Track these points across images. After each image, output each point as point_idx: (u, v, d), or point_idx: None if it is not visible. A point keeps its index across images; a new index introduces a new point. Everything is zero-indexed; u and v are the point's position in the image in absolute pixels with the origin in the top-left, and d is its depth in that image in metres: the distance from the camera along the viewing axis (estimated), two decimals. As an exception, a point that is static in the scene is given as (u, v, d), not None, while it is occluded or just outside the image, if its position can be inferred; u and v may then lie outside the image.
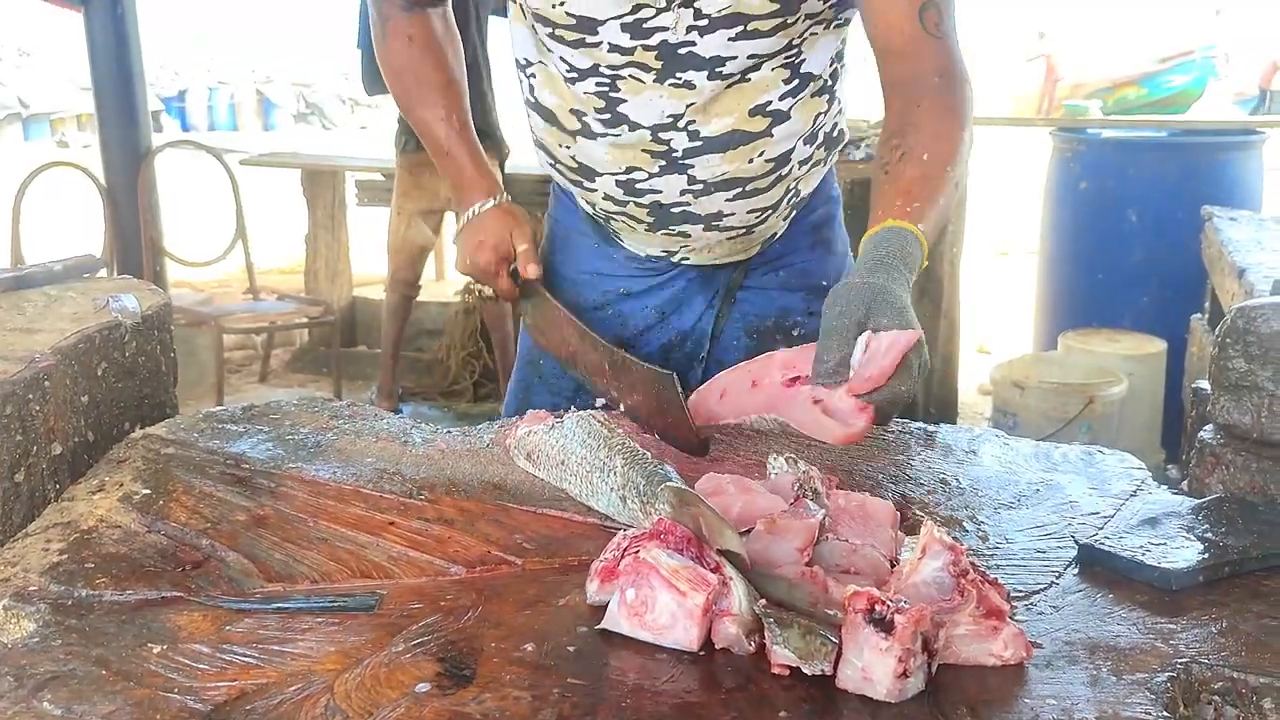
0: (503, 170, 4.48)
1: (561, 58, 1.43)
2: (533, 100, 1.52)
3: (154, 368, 1.40)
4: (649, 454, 1.12)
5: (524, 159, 5.00)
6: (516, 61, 1.53)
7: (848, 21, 1.47)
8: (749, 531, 0.99)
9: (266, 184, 6.72)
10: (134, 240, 5.11)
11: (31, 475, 1.14)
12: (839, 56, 1.50)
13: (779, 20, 1.37)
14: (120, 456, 1.26)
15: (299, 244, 6.01)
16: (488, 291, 1.67)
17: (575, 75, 1.43)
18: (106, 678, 0.83)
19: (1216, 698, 0.84)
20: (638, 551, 0.90)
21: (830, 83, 1.50)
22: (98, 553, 1.03)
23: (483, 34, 4.48)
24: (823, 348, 1.14)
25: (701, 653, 0.87)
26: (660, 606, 0.87)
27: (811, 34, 1.42)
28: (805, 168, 1.54)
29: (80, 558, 1.02)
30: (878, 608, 0.80)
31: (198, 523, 1.09)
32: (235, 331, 4.88)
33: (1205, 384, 1.26)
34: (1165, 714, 0.79)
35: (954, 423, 4.17)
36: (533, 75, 1.50)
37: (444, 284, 7.00)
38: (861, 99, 1.99)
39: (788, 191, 1.53)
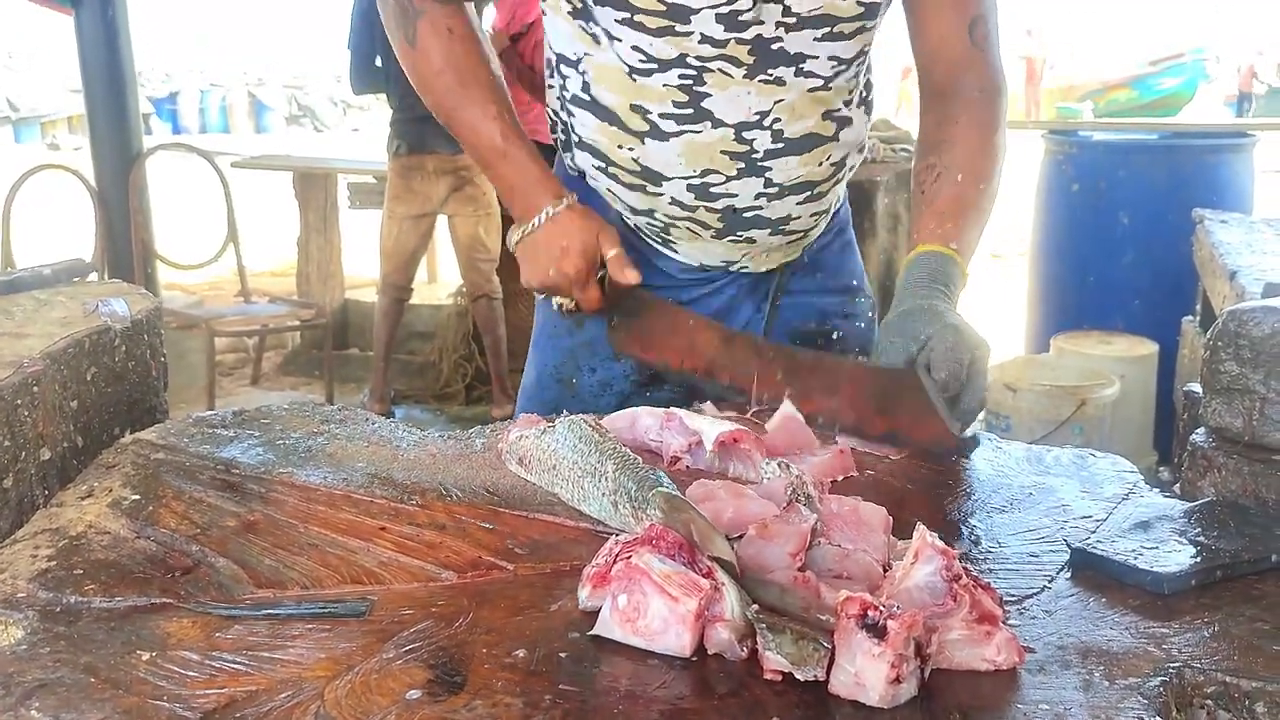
0: None
1: (635, 46, 1.36)
2: (586, 99, 1.45)
3: (144, 372, 1.40)
4: (640, 459, 1.12)
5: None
6: (559, 57, 1.47)
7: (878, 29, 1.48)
8: (741, 537, 0.99)
9: (258, 186, 6.71)
10: (125, 243, 5.10)
11: (20, 481, 1.13)
12: (871, 66, 1.52)
13: (860, 24, 1.39)
14: (109, 462, 1.25)
15: (291, 246, 6.01)
16: (568, 304, 1.49)
17: (654, 66, 1.37)
18: (95, 685, 0.82)
19: (1209, 702, 0.84)
20: (630, 557, 0.89)
21: (868, 93, 1.52)
22: (86, 559, 1.02)
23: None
24: (882, 357, 1.27)
25: (694, 658, 0.86)
26: (652, 612, 0.86)
27: (872, 42, 1.44)
28: (849, 173, 1.57)
29: (69, 564, 1.01)
30: (870, 613, 0.80)
31: (187, 528, 1.09)
32: (227, 334, 4.88)
33: (1197, 387, 1.26)
34: (1158, 719, 0.79)
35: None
36: (585, 71, 1.44)
37: (436, 287, 7.00)
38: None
39: (836, 197, 1.57)
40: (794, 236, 1.54)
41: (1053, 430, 3.65)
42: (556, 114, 1.54)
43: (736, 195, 1.45)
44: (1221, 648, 0.88)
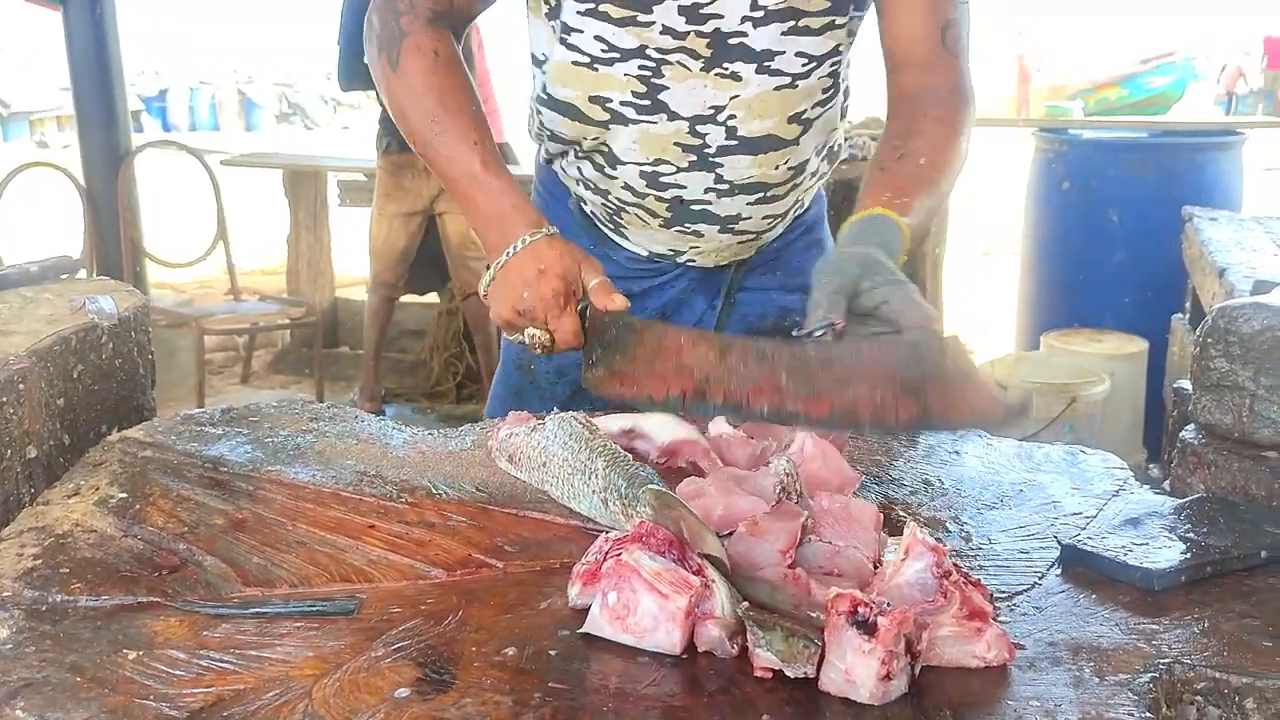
0: None
1: (598, 36, 1.37)
2: (545, 97, 1.48)
3: (131, 370, 1.39)
4: (630, 457, 1.11)
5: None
6: (533, 56, 1.49)
7: (856, 32, 1.48)
8: (731, 534, 0.98)
9: (248, 184, 6.69)
10: (114, 241, 5.08)
11: (5, 479, 1.13)
12: (848, 70, 1.52)
13: (829, 19, 1.38)
14: (97, 460, 1.24)
15: (281, 245, 5.99)
16: (542, 338, 1.34)
17: (615, 56, 1.38)
18: (81, 685, 0.82)
19: (1199, 698, 0.84)
20: (620, 554, 0.89)
21: (845, 99, 1.52)
22: (73, 558, 1.01)
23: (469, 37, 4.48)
24: (814, 304, 1.12)
25: (684, 656, 0.86)
26: (642, 609, 0.86)
27: (847, 43, 1.44)
28: (814, 179, 1.57)
29: (55, 563, 1.00)
30: (860, 610, 0.80)
31: (175, 527, 1.08)
32: (216, 333, 4.85)
33: (1187, 384, 1.27)
34: (1148, 715, 0.79)
35: (937, 423, 4.18)
36: (546, 72, 1.46)
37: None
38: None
39: (796, 201, 1.56)
40: (745, 236, 1.54)
41: (1043, 427, 3.65)
42: (532, 110, 1.56)
43: (685, 188, 1.46)
44: (1211, 644, 0.88)
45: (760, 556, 0.94)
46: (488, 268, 1.37)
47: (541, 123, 1.53)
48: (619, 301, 1.31)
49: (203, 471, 1.21)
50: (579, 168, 1.55)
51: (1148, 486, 1.22)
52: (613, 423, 1.28)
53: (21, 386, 1.16)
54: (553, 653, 0.86)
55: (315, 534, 1.07)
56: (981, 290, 6.72)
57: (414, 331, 5.51)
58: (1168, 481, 1.26)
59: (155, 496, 1.14)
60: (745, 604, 0.86)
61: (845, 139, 1.74)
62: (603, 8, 1.35)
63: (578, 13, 1.37)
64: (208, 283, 6.73)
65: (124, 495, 1.14)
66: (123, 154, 5.10)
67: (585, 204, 1.59)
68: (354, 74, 4.63)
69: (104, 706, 0.79)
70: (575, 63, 1.41)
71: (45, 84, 16.25)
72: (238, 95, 19.93)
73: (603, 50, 1.38)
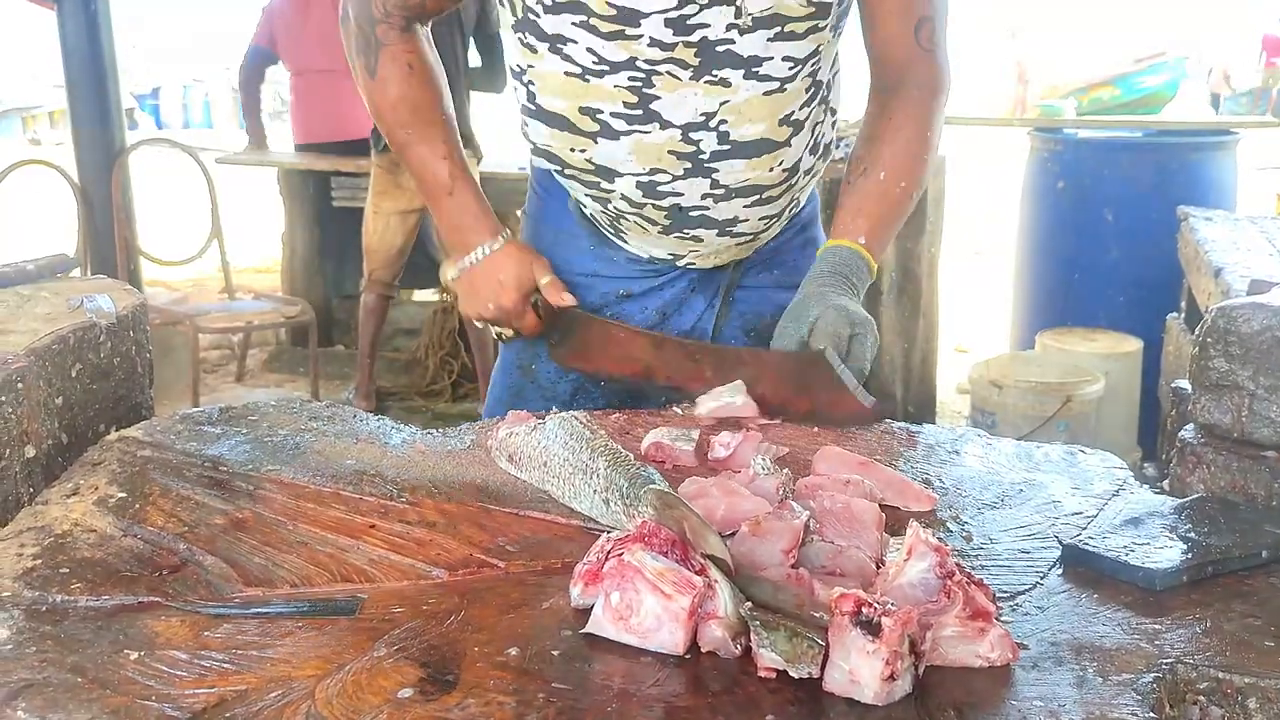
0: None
1: (589, 49, 1.39)
2: (533, 108, 1.48)
3: (129, 369, 1.39)
4: (631, 456, 1.11)
5: (499, 158, 4.99)
6: (511, 70, 1.50)
7: (842, 30, 1.50)
8: (734, 534, 0.98)
9: (243, 182, 6.67)
10: (108, 239, 5.07)
11: (4, 479, 1.12)
12: (836, 68, 1.53)
13: (812, 24, 1.40)
14: (95, 459, 1.24)
15: (276, 243, 5.97)
16: (507, 333, 1.61)
17: (605, 68, 1.39)
18: (82, 685, 0.81)
19: (1202, 698, 0.84)
20: (622, 554, 0.89)
21: (828, 92, 1.53)
22: (72, 558, 1.01)
23: (465, 39, 4.48)
24: (776, 343, 1.41)
25: (687, 656, 0.86)
26: (645, 610, 0.86)
27: (829, 42, 1.46)
28: (807, 178, 1.58)
29: (54, 563, 1.00)
30: (864, 610, 0.80)
31: (175, 526, 1.08)
32: (211, 331, 4.84)
33: (1185, 383, 1.27)
34: (1152, 715, 0.79)
35: (933, 421, 4.19)
36: (530, 82, 1.46)
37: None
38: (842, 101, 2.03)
39: (792, 200, 1.57)
40: (743, 238, 1.55)
41: (1038, 426, 3.66)
42: (522, 120, 1.57)
43: (683, 194, 1.48)
44: (1213, 644, 0.88)
45: (763, 556, 0.94)
46: (453, 265, 1.57)
47: (527, 133, 1.54)
48: (568, 299, 1.54)
49: (202, 471, 1.21)
50: (571, 185, 1.57)
51: (1147, 486, 1.22)
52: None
53: (20, 386, 1.16)
54: (555, 653, 0.86)
55: (316, 533, 1.07)
56: (977, 289, 6.73)
57: (409, 330, 5.50)
58: (1166, 481, 1.26)
59: (155, 496, 1.14)
60: (749, 604, 0.85)
61: (841, 137, 1.76)
62: (593, 21, 1.36)
63: (572, 24, 1.37)
64: (202, 281, 6.72)
65: (123, 495, 1.14)
66: (117, 151, 5.09)
67: (585, 207, 1.59)
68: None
69: (106, 707, 0.79)
70: (568, 73, 1.41)
71: (38, 80, 16.19)
72: (231, 93, 19.87)
73: (594, 62, 1.39)
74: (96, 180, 5.05)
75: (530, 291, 1.54)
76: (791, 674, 0.81)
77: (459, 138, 1.56)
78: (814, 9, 1.38)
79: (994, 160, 8.37)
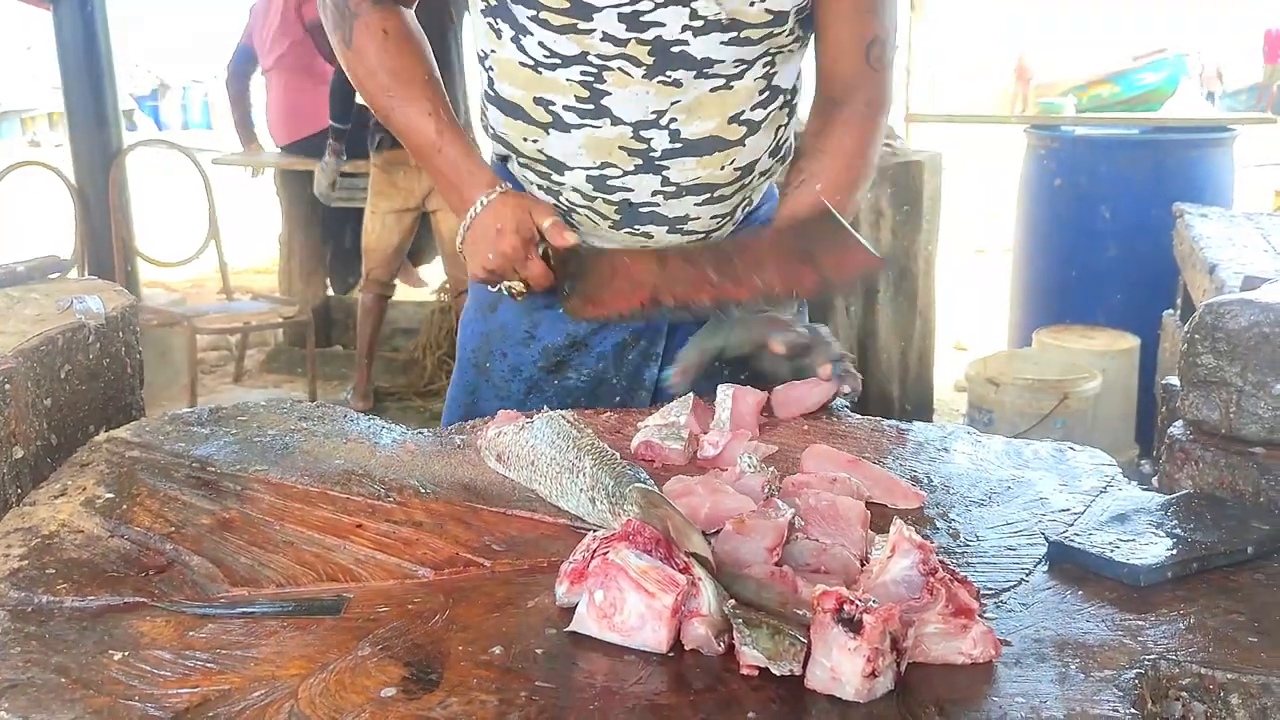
0: None
1: (541, 43, 1.39)
2: (491, 94, 1.50)
3: (119, 370, 1.39)
4: (617, 455, 1.11)
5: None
6: (478, 54, 1.51)
7: (808, 39, 1.51)
8: (718, 532, 0.98)
9: (240, 183, 6.67)
10: (105, 240, 5.06)
11: (-8, 480, 1.12)
12: (799, 75, 1.55)
13: (767, 32, 1.40)
14: (84, 460, 1.24)
15: (273, 243, 5.98)
16: (518, 287, 1.51)
17: (557, 61, 1.40)
18: (66, 685, 0.82)
19: (1184, 694, 0.84)
20: (607, 553, 0.89)
21: (792, 98, 1.54)
22: (59, 558, 1.01)
23: (458, 36, 4.48)
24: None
25: (671, 654, 0.86)
26: (629, 608, 0.86)
27: (789, 50, 1.47)
28: (763, 178, 1.58)
29: (41, 563, 1.00)
30: (846, 608, 0.80)
31: (162, 527, 1.08)
32: (209, 332, 4.84)
33: (1175, 380, 1.27)
34: (1133, 711, 0.79)
35: (930, 420, 4.19)
36: (490, 68, 1.48)
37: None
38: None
39: (743, 200, 1.57)
40: (694, 236, 1.55)
41: (1035, 424, 3.66)
42: (483, 106, 1.58)
43: (633, 190, 1.48)
44: (1197, 640, 0.88)
45: (746, 554, 0.94)
46: (459, 226, 1.51)
47: (489, 122, 1.55)
48: (570, 238, 1.47)
49: (190, 471, 1.21)
50: (524, 175, 1.57)
51: (1136, 483, 1.22)
52: None
53: (8, 387, 1.16)
54: (539, 651, 0.86)
55: (303, 533, 1.07)
56: (974, 287, 6.73)
57: (406, 330, 5.50)
58: (1155, 477, 1.26)
59: (142, 496, 1.14)
60: (732, 602, 0.86)
61: None
62: (544, 15, 1.36)
63: (527, 17, 1.38)
64: (200, 282, 6.72)
65: (111, 495, 1.14)
66: (114, 153, 5.09)
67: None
68: None
69: (89, 707, 0.79)
70: (522, 63, 1.42)
71: (38, 81, 16.19)
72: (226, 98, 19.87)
73: (545, 55, 1.40)
74: (93, 181, 5.05)
75: (532, 236, 1.46)
76: (773, 671, 0.81)
77: (446, 97, 1.52)
78: (772, 17, 1.39)
79: (996, 158, 8.37)
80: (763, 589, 0.89)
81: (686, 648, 0.86)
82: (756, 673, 0.82)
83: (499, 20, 1.43)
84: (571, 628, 0.88)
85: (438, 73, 1.53)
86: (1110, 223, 4.32)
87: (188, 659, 0.85)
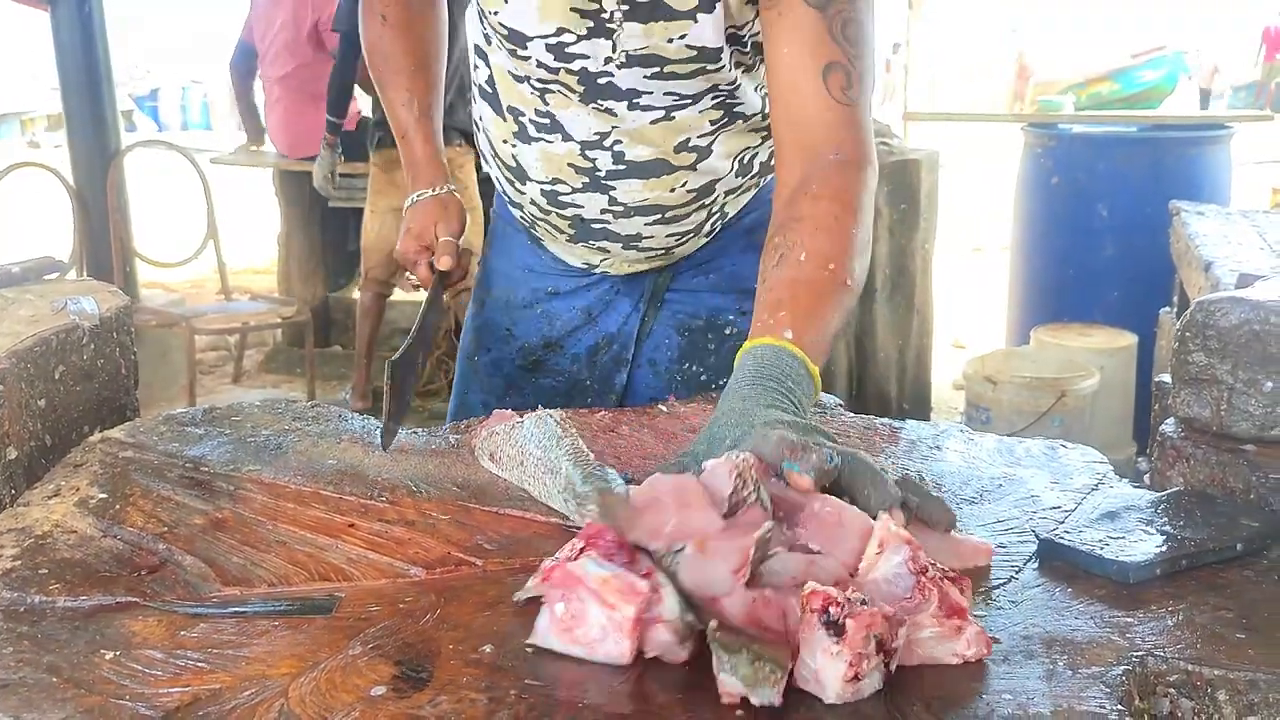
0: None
1: (501, 60, 1.45)
2: (489, 90, 1.51)
3: (113, 370, 1.39)
4: (591, 455, 1.10)
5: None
6: (474, 46, 1.53)
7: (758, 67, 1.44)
8: (682, 549, 0.90)
9: (239, 183, 6.68)
10: (104, 241, 5.07)
11: (-14, 480, 1.13)
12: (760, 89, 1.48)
13: (698, 66, 1.35)
14: (77, 461, 1.24)
15: (272, 243, 5.98)
16: (413, 280, 1.67)
17: (518, 77, 1.44)
18: (57, 685, 0.82)
19: (1172, 690, 0.84)
20: (569, 562, 0.86)
21: (762, 119, 1.47)
22: (52, 558, 1.01)
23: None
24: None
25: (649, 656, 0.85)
26: (591, 620, 0.83)
27: (743, 80, 1.40)
28: (733, 195, 1.54)
29: (34, 564, 1.00)
30: (831, 609, 0.78)
31: (154, 527, 1.08)
32: (207, 332, 4.85)
33: (1168, 378, 1.27)
34: (1120, 707, 0.79)
35: (927, 418, 4.19)
36: (492, 66, 1.49)
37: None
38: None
39: (710, 216, 1.54)
40: (652, 253, 1.54)
41: (1033, 422, 3.67)
42: (472, 99, 1.61)
43: (583, 207, 1.49)
44: (1185, 636, 0.88)
45: (711, 579, 0.87)
46: None
47: (479, 115, 1.57)
48: (445, 262, 1.51)
49: (183, 471, 1.21)
50: (498, 178, 1.60)
51: (1127, 480, 1.23)
52: None
53: (1, 388, 1.17)
54: (530, 650, 0.86)
55: (295, 533, 1.08)
56: (972, 285, 6.73)
57: (406, 330, 5.49)
58: (1147, 475, 1.26)
59: (135, 497, 1.14)
60: (714, 623, 0.80)
61: None
62: (494, 39, 1.41)
63: (498, 37, 1.41)
64: (199, 282, 6.73)
65: (104, 496, 1.14)
66: (112, 154, 5.09)
67: (512, 211, 1.62)
68: (355, 65, 4.61)
69: (80, 706, 0.79)
70: (507, 70, 1.45)
71: (36, 82, 16.19)
72: (230, 93, 19.88)
73: (509, 70, 1.44)
74: (91, 182, 5.05)
75: (429, 246, 1.54)
76: (752, 701, 0.76)
77: (432, 90, 1.58)
78: (696, 53, 1.32)
79: (994, 156, 8.37)
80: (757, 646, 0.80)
81: (648, 655, 0.83)
82: (737, 701, 0.77)
83: (486, 25, 1.45)
84: (532, 641, 0.86)
85: (432, 61, 1.59)
86: (1108, 221, 4.32)
87: (179, 658, 0.86)
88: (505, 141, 1.51)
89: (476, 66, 1.54)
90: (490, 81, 1.50)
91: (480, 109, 1.55)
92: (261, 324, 5.05)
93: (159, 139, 7.29)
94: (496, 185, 1.65)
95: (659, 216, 1.49)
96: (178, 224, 6.23)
